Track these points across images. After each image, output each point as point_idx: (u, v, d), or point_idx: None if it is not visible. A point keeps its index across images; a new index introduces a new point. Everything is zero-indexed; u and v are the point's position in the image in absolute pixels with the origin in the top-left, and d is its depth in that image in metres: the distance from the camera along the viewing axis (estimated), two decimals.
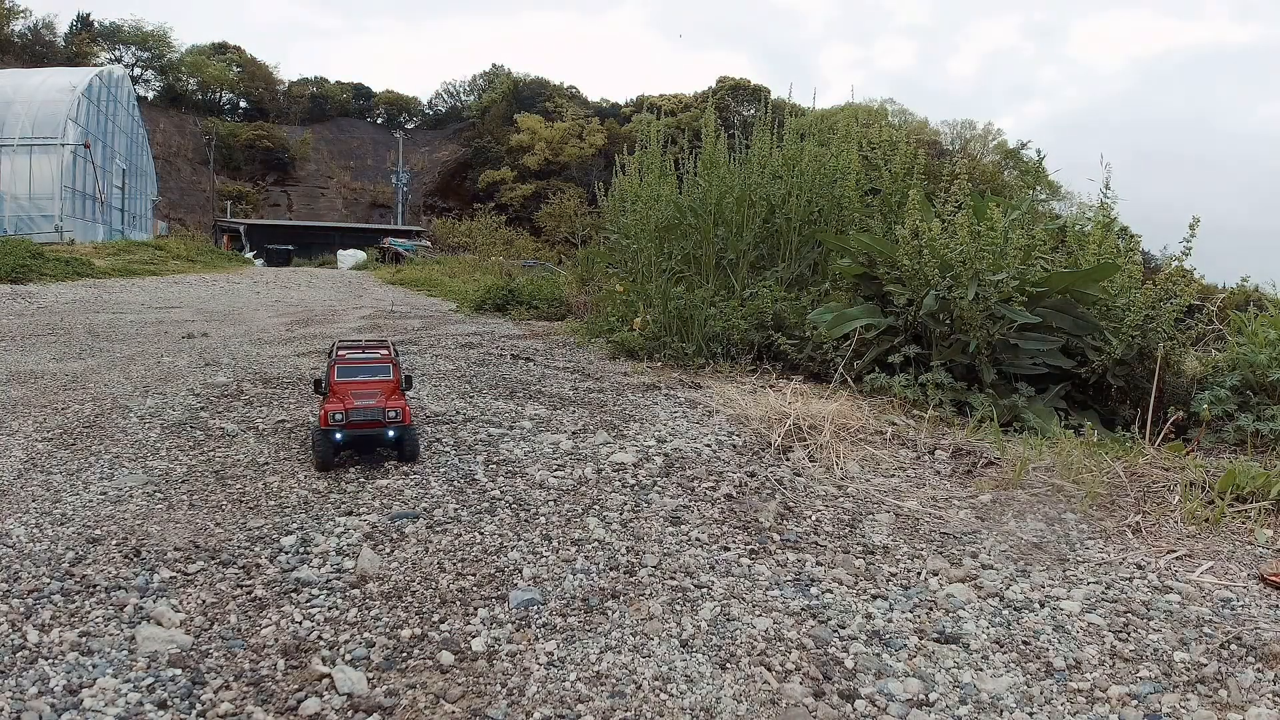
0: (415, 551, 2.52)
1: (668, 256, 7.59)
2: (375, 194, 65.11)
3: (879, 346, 5.28)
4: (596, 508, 2.95)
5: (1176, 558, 2.66)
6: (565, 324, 8.70)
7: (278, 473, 3.19)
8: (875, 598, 2.35)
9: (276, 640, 1.98)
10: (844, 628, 2.16)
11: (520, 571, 2.41)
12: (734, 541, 2.71)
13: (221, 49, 67.40)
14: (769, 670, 1.91)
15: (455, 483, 3.14)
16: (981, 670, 1.97)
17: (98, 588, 2.20)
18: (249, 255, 36.93)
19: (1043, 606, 2.30)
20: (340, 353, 3.51)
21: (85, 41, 58.57)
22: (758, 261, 7.13)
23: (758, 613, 2.22)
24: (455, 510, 2.86)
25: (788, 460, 3.69)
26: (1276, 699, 1.87)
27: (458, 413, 4.22)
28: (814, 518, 2.98)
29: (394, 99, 75.16)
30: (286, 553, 2.47)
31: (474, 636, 2.04)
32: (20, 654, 1.86)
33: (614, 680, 1.87)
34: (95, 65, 41.45)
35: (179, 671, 1.83)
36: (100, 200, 27.37)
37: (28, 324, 7.80)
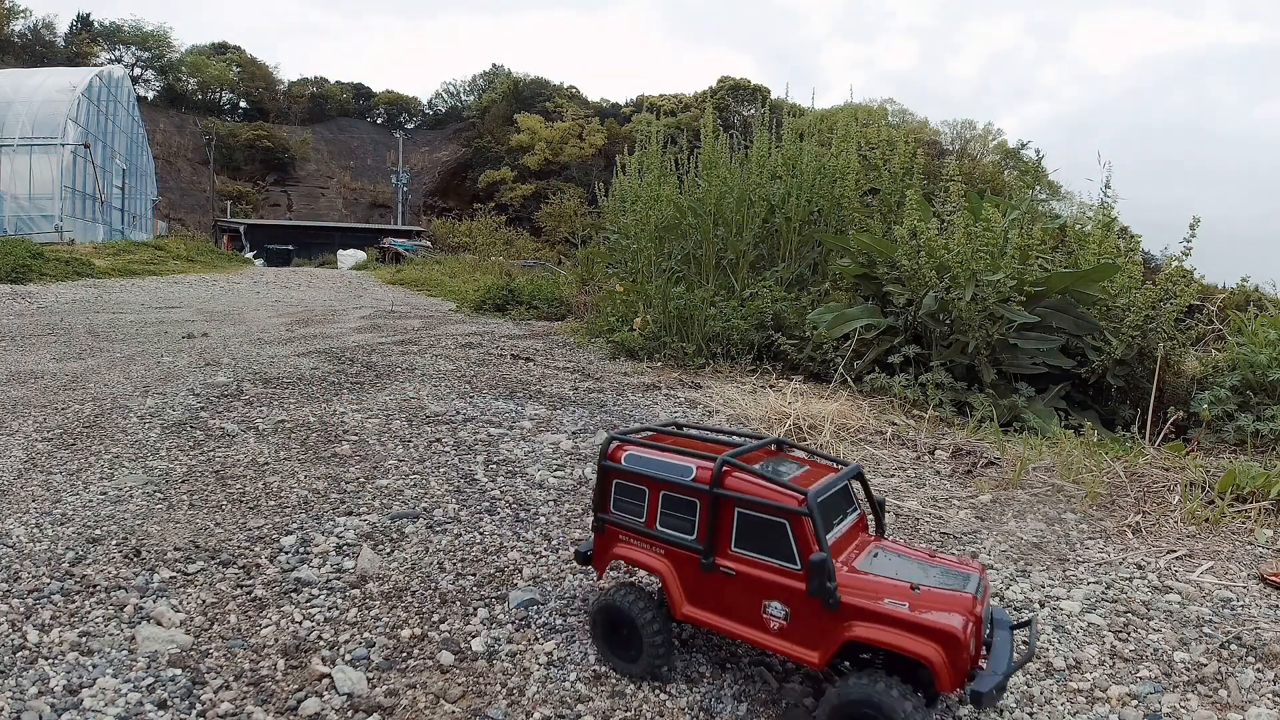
0: (415, 551, 2.52)
1: (668, 256, 7.59)
2: (375, 194, 65.13)
3: (879, 347, 5.29)
4: None
5: (1176, 558, 2.67)
6: (565, 324, 8.70)
7: (278, 473, 3.19)
8: None
9: (276, 640, 1.98)
10: None
11: (520, 571, 2.41)
12: None
13: (221, 49, 67.43)
14: (769, 670, 1.91)
15: (455, 483, 3.14)
16: None
17: (98, 588, 2.20)
18: (249, 255, 36.91)
19: (1043, 606, 2.30)
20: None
21: (85, 42, 58.59)
22: (758, 261, 7.14)
23: None
24: (455, 510, 2.86)
25: None
26: (1276, 699, 1.87)
27: (458, 413, 4.23)
28: None
29: (394, 99, 75.20)
30: (286, 553, 2.46)
31: (474, 636, 2.04)
32: (20, 654, 1.87)
33: (614, 680, 1.87)
34: (95, 65, 41.45)
35: (179, 671, 1.83)
36: (100, 200, 27.36)
37: (28, 324, 7.80)
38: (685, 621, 1.73)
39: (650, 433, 1.99)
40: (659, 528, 1.76)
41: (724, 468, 1.67)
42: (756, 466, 1.70)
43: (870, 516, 1.85)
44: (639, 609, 1.77)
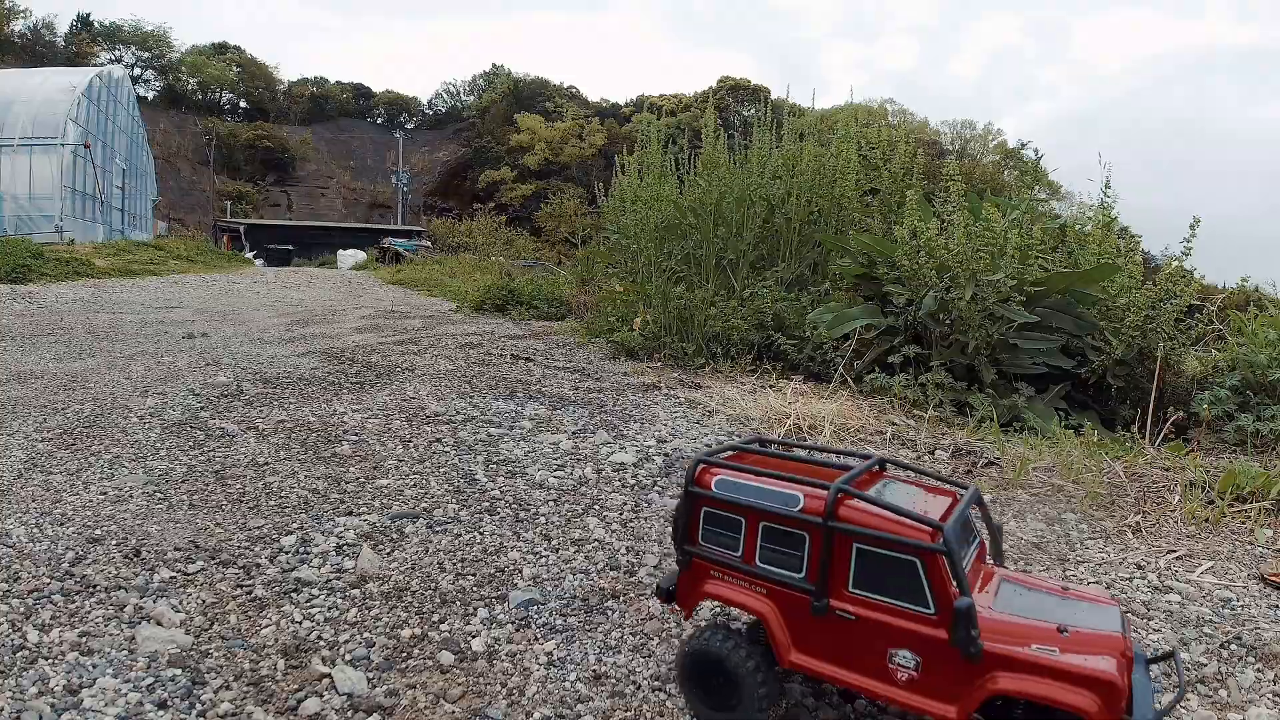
0: (415, 551, 2.52)
1: (668, 256, 7.59)
2: (375, 194, 65.17)
3: (879, 347, 5.29)
4: (596, 508, 2.95)
5: (1176, 558, 2.67)
6: (565, 324, 8.70)
7: (278, 473, 3.19)
8: None
9: (276, 640, 1.98)
10: None
11: (520, 571, 2.41)
12: None
13: (221, 49, 67.52)
14: None
15: (455, 483, 3.14)
16: None
17: (98, 588, 2.20)
18: (249, 255, 36.91)
19: None
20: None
21: (85, 42, 58.67)
22: (758, 261, 7.14)
23: None
24: (455, 510, 2.86)
25: None
26: (1276, 699, 1.87)
27: (458, 413, 4.22)
28: None
29: (394, 99, 75.28)
30: (286, 553, 2.46)
31: (474, 636, 2.04)
32: (20, 654, 1.86)
33: (614, 680, 1.87)
34: (95, 65, 41.45)
35: (179, 671, 1.83)
36: (100, 200, 27.36)
37: (28, 324, 7.80)
38: (793, 670, 1.54)
39: (733, 451, 1.81)
40: (759, 564, 1.57)
41: (838, 496, 1.48)
42: (872, 493, 1.52)
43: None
44: (746, 664, 1.57)
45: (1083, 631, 1.34)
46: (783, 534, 1.54)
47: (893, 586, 1.42)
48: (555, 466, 3.40)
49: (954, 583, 1.36)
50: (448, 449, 3.58)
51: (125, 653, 1.90)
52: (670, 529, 1.69)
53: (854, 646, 1.47)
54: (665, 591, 1.76)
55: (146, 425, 3.84)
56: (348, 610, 2.15)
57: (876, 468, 1.70)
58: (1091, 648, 1.30)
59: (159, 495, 2.92)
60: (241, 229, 43.98)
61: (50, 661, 1.84)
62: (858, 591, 1.46)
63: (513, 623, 2.11)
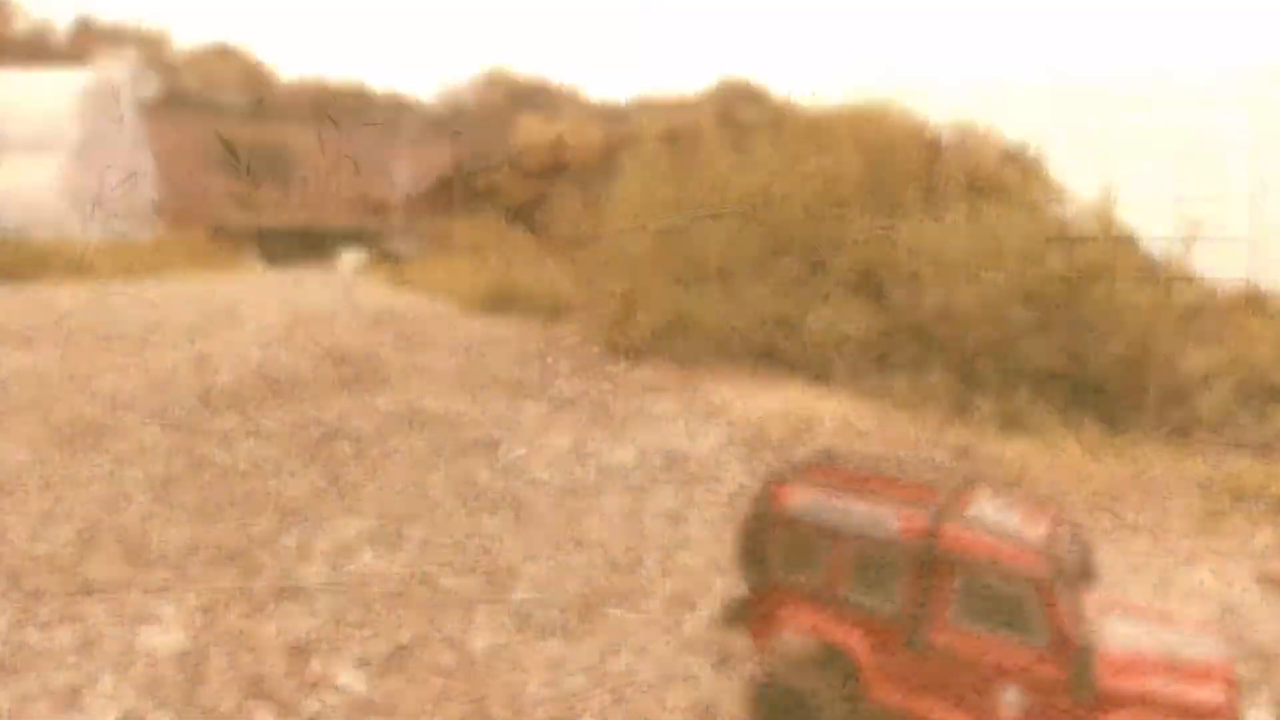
0: (415, 552, 2.52)
1: (668, 257, 7.56)
2: (375, 194, 65.25)
3: (879, 347, 5.27)
4: (597, 508, 2.95)
5: (1177, 558, 2.66)
6: (565, 324, 8.68)
7: (278, 473, 3.19)
8: None
9: (277, 640, 1.98)
10: None
11: (520, 571, 2.41)
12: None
13: (222, 49, 67.67)
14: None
15: (455, 483, 3.14)
16: None
17: (98, 588, 2.20)
18: (249, 256, 36.86)
19: None
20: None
21: (86, 42, 58.77)
22: (758, 261, 7.10)
23: None
24: (455, 510, 2.86)
25: None
26: (1277, 699, 1.87)
27: (458, 413, 4.22)
28: None
29: (394, 99, 75.47)
30: (287, 553, 2.46)
31: (474, 637, 2.04)
32: (20, 654, 1.86)
33: (614, 680, 1.87)
34: (95, 65, 41.42)
35: (179, 671, 1.83)
36: (100, 201, 27.36)
37: (29, 324, 7.79)
38: (882, 707, 1.42)
39: (807, 467, 1.70)
40: (845, 592, 1.45)
41: (939, 520, 1.36)
42: (973, 514, 1.40)
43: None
44: (832, 700, 1.42)
45: (1192, 661, 1.30)
46: (873, 560, 1.44)
47: (1000, 619, 1.33)
48: (555, 466, 3.40)
49: (1070, 616, 1.28)
50: (448, 449, 3.58)
51: (125, 653, 1.90)
52: (739, 551, 1.61)
53: (952, 683, 1.37)
54: (733, 617, 1.66)
55: (147, 425, 3.84)
56: (348, 610, 2.15)
57: (964, 485, 1.60)
58: (1202, 679, 1.27)
59: (159, 495, 2.92)
60: (242, 229, 43.91)
61: (50, 661, 1.84)
62: (960, 623, 1.37)
63: (513, 623, 2.11)
